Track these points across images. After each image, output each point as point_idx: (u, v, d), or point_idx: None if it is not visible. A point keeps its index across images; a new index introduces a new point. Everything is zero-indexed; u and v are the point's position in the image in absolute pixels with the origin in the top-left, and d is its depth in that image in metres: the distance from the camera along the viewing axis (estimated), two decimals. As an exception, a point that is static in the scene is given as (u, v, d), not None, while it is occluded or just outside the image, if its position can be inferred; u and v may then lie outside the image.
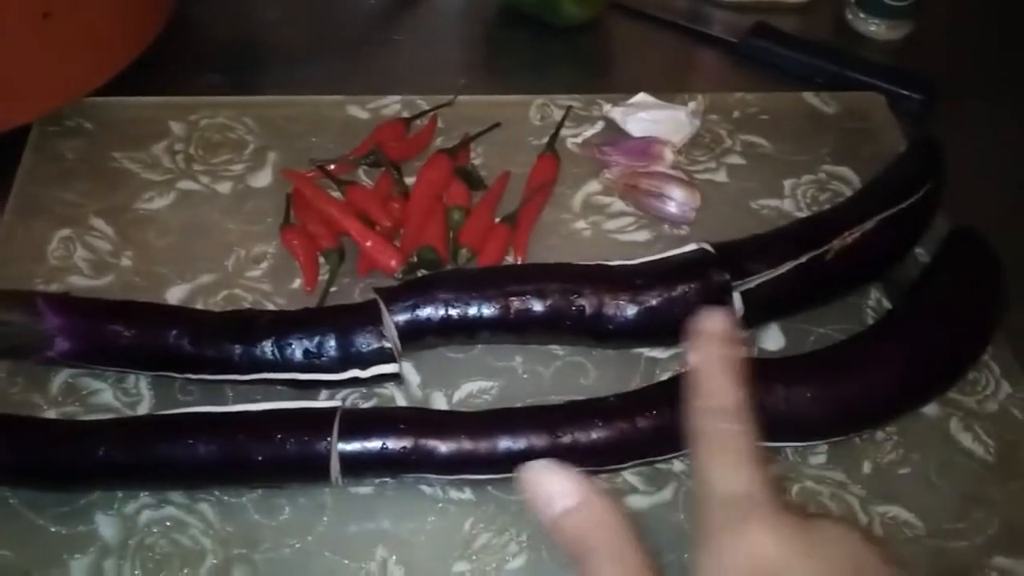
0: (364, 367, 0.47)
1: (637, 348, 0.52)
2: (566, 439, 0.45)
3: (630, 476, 0.48)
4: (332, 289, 0.54)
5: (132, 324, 0.47)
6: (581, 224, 0.59)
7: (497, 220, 0.57)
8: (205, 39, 0.71)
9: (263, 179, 0.60)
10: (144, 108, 0.63)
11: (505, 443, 0.45)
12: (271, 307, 0.53)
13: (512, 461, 0.44)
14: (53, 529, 0.45)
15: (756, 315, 0.51)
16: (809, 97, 0.67)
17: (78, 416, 0.48)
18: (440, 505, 0.47)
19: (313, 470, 0.45)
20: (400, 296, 0.49)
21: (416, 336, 0.49)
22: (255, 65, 0.71)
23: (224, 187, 0.59)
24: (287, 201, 0.57)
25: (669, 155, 0.61)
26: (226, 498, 0.46)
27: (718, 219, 0.59)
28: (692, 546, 0.31)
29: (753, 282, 0.50)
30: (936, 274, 0.53)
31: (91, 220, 0.57)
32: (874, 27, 0.74)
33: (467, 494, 0.47)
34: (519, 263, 0.55)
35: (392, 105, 0.64)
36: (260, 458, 0.44)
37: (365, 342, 0.47)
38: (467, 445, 0.44)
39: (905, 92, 0.68)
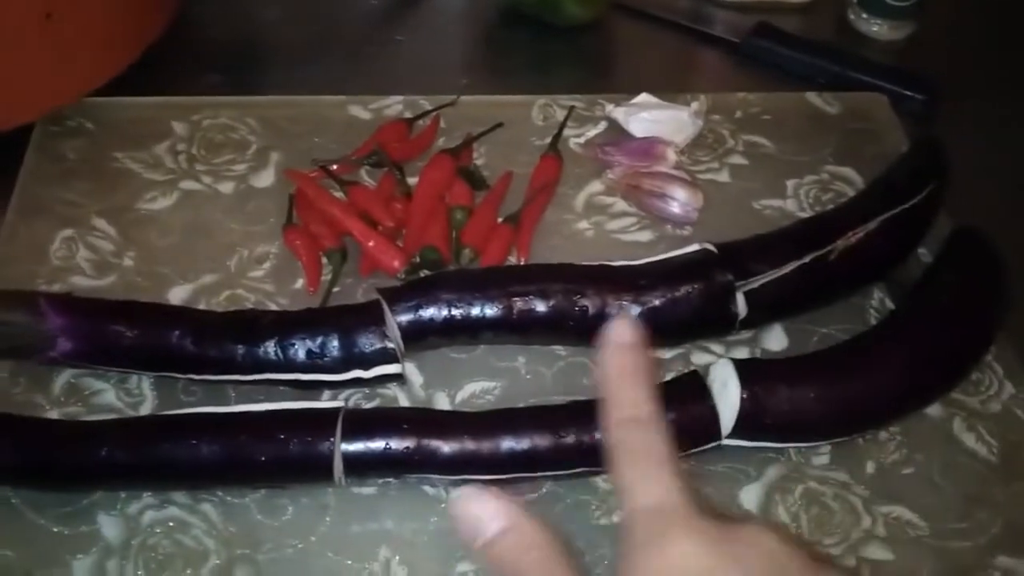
0: (367, 367, 0.47)
1: (640, 348, 0.52)
2: (569, 439, 0.45)
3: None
4: (335, 289, 0.54)
5: (134, 324, 0.47)
6: (584, 224, 0.59)
7: (500, 220, 0.57)
8: (206, 39, 0.71)
9: (265, 179, 0.60)
10: (146, 108, 0.63)
11: (508, 443, 0.44)
12: (274, 307, 0.53)
13: (515, 461, 0.45)
14: (55, 529, 0.45)
15: (759, 315, 0.51)
16: (811, 97, 0.67)
17: (80, 416, 0.48)
18: (443, 505, 0.46)
19: (316, 470, 0.44)
20: (403, 296, 0.49)
21: (419, 336, 0.49)
22: (256, 65, 0.71)
23: (226, 187, 0.59)
24: (290, 201, 0.57)
25: (671, 155, 0.61)
26: (229, 498, 0.46)
27: (721, 219, 0.59)
28: (617, 562, 0.30)
29: (756, 282, 0.50)
30: (939, 274, 0.52)
31: (93, 220, 0.57)
32: (876, 27, 0.74)
33: (470, 494, 0.47)
34: (522, 263, 0.55)
35: (394, 105, 0.64)
36: (263, 458, 0.44)
37: (368, 342, 0.47)
38: (470, 445, 0.44)
39: (907, 92, 0.68)
